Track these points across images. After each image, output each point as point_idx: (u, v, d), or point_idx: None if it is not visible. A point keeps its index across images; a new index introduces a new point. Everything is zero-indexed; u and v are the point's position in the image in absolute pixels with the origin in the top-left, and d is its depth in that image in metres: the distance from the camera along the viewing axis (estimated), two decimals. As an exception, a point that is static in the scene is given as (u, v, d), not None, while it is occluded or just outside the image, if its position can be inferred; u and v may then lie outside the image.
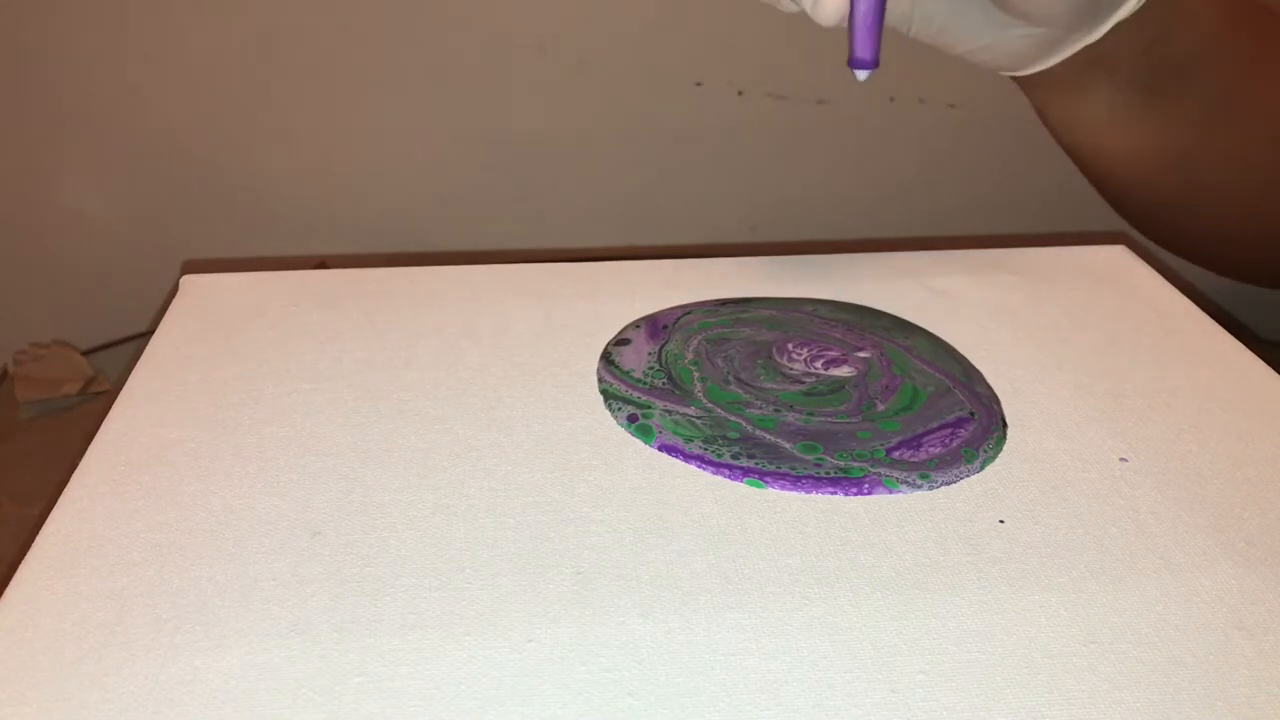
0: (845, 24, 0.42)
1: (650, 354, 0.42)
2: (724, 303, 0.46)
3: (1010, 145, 0.84)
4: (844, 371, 0.41)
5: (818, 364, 0.41)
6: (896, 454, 0.36)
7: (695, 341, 0.43)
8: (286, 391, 0.39)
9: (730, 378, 0.40)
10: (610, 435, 0.37)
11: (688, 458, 0.36)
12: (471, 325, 0.44)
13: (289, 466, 0.35)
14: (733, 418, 0.38)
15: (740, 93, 0.79)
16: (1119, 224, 0.88)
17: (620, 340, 0.43)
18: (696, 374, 0.40)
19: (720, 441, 0.36)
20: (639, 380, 0.40)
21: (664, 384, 0.40)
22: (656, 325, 0.44)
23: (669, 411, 0.38)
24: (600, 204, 0.83)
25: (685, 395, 0.39)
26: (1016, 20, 0.43)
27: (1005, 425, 0.38)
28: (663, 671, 0.27)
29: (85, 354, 0.73)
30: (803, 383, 0.40)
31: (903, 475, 0.35)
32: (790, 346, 0.42)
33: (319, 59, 0.74)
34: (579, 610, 0.29)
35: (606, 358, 0.42)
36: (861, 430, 0.37)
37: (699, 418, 0.38)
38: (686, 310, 0.45)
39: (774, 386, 0.40)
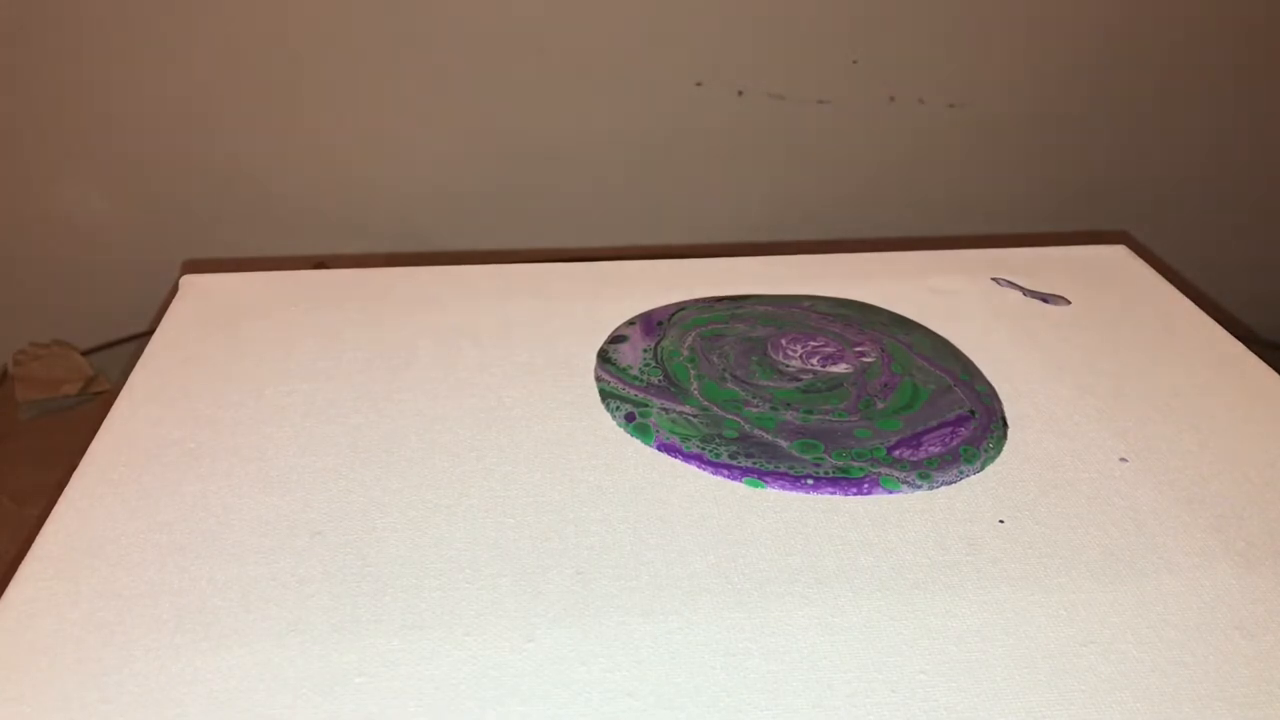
0: None
1: (646, 350, 0.42)
2: (720, 299, 0.46)
3: (1010, 145, 0.84)
4: (841, 368, 0.41)
5: (814, 360, 0.41)
6: (896, 453, 0.36)
7: (690, 338, 0.43)
8: (286, 391, 0.39)
9: (726, 375, 0.40)
10: (610, 435, 0.37)
11: (686, 457, 0.36)
12: (471, 325, 0.44)
13: (289, 466, 0.35)
14: (730, 416, 0.38)
15: (740, 93, 0.79)
16: (1119, 224, 0.88)
17: (616, 337, 0.43)
18: (692, 371, 0.40)
19: (717, 440, 0.36)
20: (635, 377, 0.40)
21: (660, 381, 0.40)
22: (651, 322, 0.44)
23: (666, 410, 0.38)
24: (600, 204, 0.83)
25: (681, 393, 0.39)
26: None
27: (1005, 424, 0.38)
28: (663, 671, 0.27)
29: (85, 354, 0.73)
30: (799, 380, 0.40)
31: (902, 475, 0.35)
32: (785, 342, 0.42)
33: (319, 60, 0.74)
34: (579, 610, 0.29)
35: (603, 355, 0.42)
36: (860, 429, 0.37)
37: (695, 416, 0.38)
38: (680, 306, 0.45)
39: (770, 384, 0.40)
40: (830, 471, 0.35)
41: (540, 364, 0.41)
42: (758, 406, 0.38)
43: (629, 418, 0.38)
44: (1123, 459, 0.36)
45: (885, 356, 0.42)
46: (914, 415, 0.38)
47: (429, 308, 0.45)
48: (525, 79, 0.76)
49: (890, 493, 0.34)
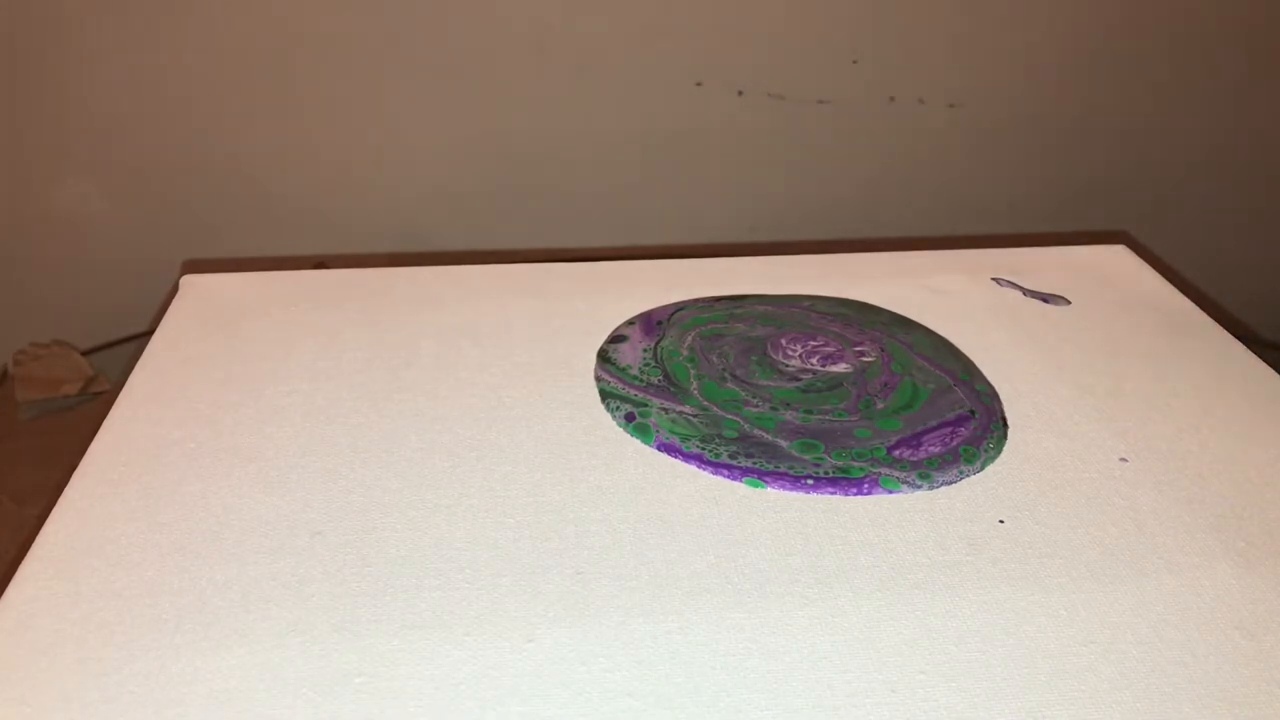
0: None
1: (645, 350, 0.42)
2: (719, 299, 0.46)
3: (1010, 145, 0.84)
4: (841, 368, 0.41)
5: (814, 360, 0.41)
6: (896, 453, 0.36)
7: (690, 338, 0.43)
8: (286, 391, 0.39)
9: (726, 375, 0.40)
10: (610, 435, 0.37)
11: (686, 457, 0.36)
12: (471, 325, 0.44)
13: (289, 466, 0.35)
14: (729, 416, 0.38)
15: (740, 93, 0.79)
16: (1119, 224, 0.88)
17: (616, 337, 0.43)
18: (692, 371, 0.40)
19: (717, 440, 0.36)
20: (635, 377, 0.40)
21: (660, 381, 0.40)
22: (650, 321, 0.44)
23: (665, 410, 0.38)
24: (600, 204, 0.83)
25: (681, 393, 0.39)
26: None
27: (1005, 424, 0.38)
28: (663, 671, 0.27)
29: (85, 354, 0.73)
30: (799, 379, 0.40)
31: (903, 475, 0.35)
32: (784, 342, 0.42)
33: (319, 60, 0.74)
34: (579, 610, 0.29)
35: (603, 355, 0.42)
36: (860, 429, 0.37)
37: (695, 416, 0.38)
38: (680, 306, 0.45)
39: (769, 384, 0.40)
40: (830, 471, 0.35)
41: (540, 364, 0.41)
42: (757, 406, 0.38)
43: (629, 418, 0.38)
44: (1123, 459, 0.36)
45: (885, 356, 0.42)
46: (914, 415, 0.38)
47: (429, 308, 0.45)
48: (525, 79, 0.76)
49: (890, 493, 0.34)
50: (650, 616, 0.29)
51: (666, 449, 0.36)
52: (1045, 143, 0.84)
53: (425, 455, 0.36)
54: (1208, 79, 0.83)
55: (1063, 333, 0.44)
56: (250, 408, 0.38)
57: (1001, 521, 0.33)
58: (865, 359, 0.42)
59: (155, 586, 0.30)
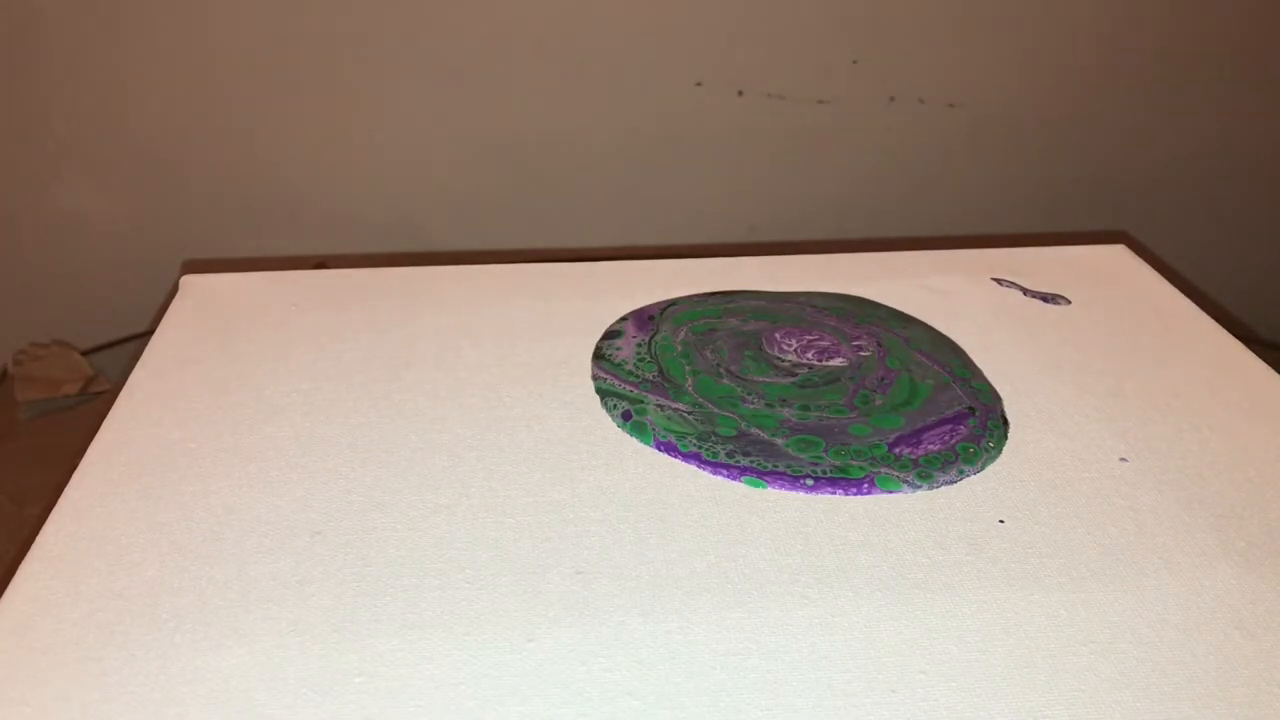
0: None
1: (640, 345, 0.42)
2: (712, 294, 0.46)
3: (1010, 145, 0.84)
4: (838, 363, 0.41)
5: (809, 355, 0.41)
6: (896, 450, 0.36)
7: (683, 332, 0.43)
8: (286, 391, 0.39)
9: (721, 370, 0.40)
10: (609, 435, 0.37)
11: (685, 457, 0.36)
12: (471, 325, 0.44)
13: (289, 466, 0.35)
14: (725, 413, 0.38)
15: (740, 93, 0.79)
16: (1119, 224, 0.88)
17: (610, 333, 0.43)
18: (687, 367, 0.40)
19: (713, 439, 0.36)
20: (630, 373, 0.40)
21: (655, 376, 0.40)
22: (643, 317, 0.44)
23: (661, 406, 0.38)
24: (600, 204, 0.83)
25: (676, 390, 0.39)
26: None
27: (1006, 423, 0.38)
28: (663, 671, 0.27)
29: (85, 354, 0.73)
30: (795, 375, 0.40)
31: (902, 475, 0.35)
32: (779, 336, 0.42)
33: (319, 60, 0.74)
34: (579, 610, 0.29)
35: (598, 353, 0.42)
36: (858, 425, 0.37)
37: (690, 413, 0.38)
38: (672, 301, 0.45)
39: (765, 380, 0.40)
40: (829, 471, 0.35)
41: (540, 364, 0.41)
42: (753, 403, 0.38)
43: (625, 416, 0.38)
44: (1123, 459, 0.36)
45: (881, 351, 0.42)
46: (914, 412, 0.38)
47: (429, 308, 0.45)
48: (525, 79, 0.76)
49: (890, 492, 0.34)
50: (650, 616, 0.29)
51: (666, 448, 0.36)
52: (1045, 143, 0.84)
53: (425, 455, 0.36)
54: (1207, 79, 0.83)
55: (1063, 333, 0.44)
56: (250, 408, 0.38)
57: (1001, 521, 0.33)
58: (862, 354, 0.42)
59: (155, 586, 0.30)
